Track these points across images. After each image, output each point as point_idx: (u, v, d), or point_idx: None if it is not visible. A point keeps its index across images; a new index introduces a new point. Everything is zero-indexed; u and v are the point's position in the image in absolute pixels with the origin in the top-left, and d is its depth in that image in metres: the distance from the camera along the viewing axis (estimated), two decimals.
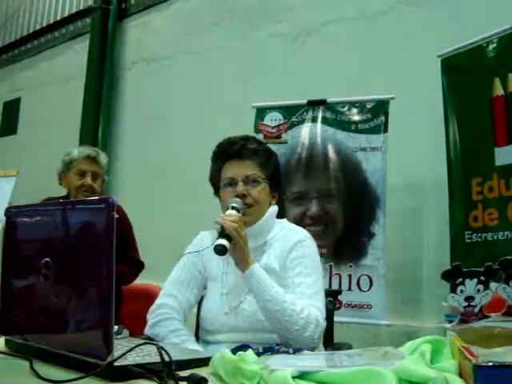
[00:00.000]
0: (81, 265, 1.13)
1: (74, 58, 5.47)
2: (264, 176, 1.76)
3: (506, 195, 2.55)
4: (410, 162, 3.19)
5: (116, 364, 1.03)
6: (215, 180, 1.81)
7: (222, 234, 1.55)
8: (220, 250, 1.52)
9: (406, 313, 3.10)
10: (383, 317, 2.86)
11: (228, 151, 1.77)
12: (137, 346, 1.12)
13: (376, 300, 2.86)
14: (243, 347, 1.16)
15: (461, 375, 0.90)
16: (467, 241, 2.66)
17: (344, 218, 3.00)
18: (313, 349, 1.53)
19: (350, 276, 2.90)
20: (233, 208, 1.63)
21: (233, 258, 1.60)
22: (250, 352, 1.06)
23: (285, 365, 0.92)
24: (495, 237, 2.56)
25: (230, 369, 0.99)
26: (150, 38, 4.91)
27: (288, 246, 1.71)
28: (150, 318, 1.72)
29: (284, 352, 1.17)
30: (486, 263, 1.07)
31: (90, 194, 2.65)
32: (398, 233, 3.06)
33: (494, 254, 2.45)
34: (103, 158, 2.78)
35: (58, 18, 5.76)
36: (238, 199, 1.68)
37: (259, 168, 1.75)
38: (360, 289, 2.89)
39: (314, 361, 1.04)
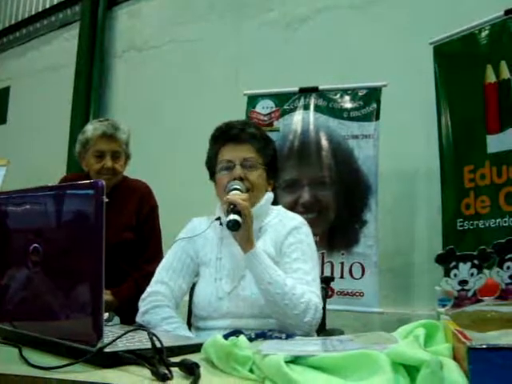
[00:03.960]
0: (70, 251, 1.12)
1: (63, 46, 5.40)
2: (261, 161, 1.75)
3: (497, 182, 2.56)
4: (402, 150, 3.19)
5: (106, 350, 1.01)
6: (212, 163, 1.80)
7: (233, 210, 1.54)
8: (234, 225, 1.52)
9: (397, 300, 3.11)
10: (375, 304, 2.86)
11: (227, 134, 1.76)
12: (127, 332, 1.11)
13: (368, 288, 2.86)
14: (235, 333, 1.15)
15: (454, 359, 0.89)
16: (459, 228, 2.67)
17: (336, 206, 2.99)
18: (307, 334, 1.53)
19: (342, 264, 2.90)
20: (236, 189, 1.63)
21: (237, 238, 1.59)
22: (242, 337, 1.05)
23: (278, 349, 0.91)
24: (487, 224, 2.58)
25: (222, 354, 0.98)
26: (140, 25, 4.86)
27: (284, 232, 1.70)
28: (142, 305, 1.72)
29: (276, 337, 1.16)
30: (480, 247, 1.06)
31: (112, 176, 2.37)
32: (390, 220, 3.06)
33: (486, 241, 2.45)
34: (123, 132, 2.40)
35: (47, 5, 5.68)
36: (238, 181, 1.67)
37: (257, 153, 1.74)
38: (352, 276, 2.89)
39: (307, 346, 1.03)
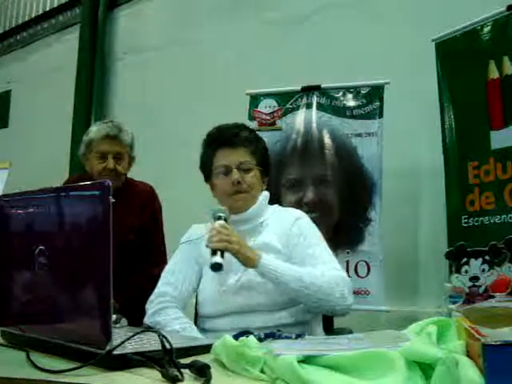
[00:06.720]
0: (77, 253, 1.11)
1: (64, 48, 5.39)
2: (255, 162, 1.79)
3: (502, 178, 2.54)
4: (406, 147, 3.18)
5: (115, 353, 1.00)
6: (207, 168, 1.83)
7: (214, 251, 1.56)
8: (216, 269, 1.55)
9: (403, 298, 3.10)
10: (381, 303, 2.85)
11: (221, 139, 1.80)
12: (136, 334, 1.10)
13: (374, 286, 2.85)
14: (244, 333, 1.14)
15: (468, 356, 0.88)
16: (464, 225, 2.65)
17: (340, 205, 2.97)
18: (346, 309, 1.62)
19: (347, 262, 2.88)
20: (219, 218, 1.65)
21: (240, 262, 1.60)
22: (251, 337, 1.04)
23: (289, 349, 0.90)
24: (492, 220, 2.56)
25: (232, 355, 0.97)
26: (141, 27, 4.85)
27: (287, 224, 1.76)
28: (150, 307, 1.72)
29: (286, 337, 1.15)
30: (491, 242, 1.05)
31: (114, 177, 2.33)
32: (394, 218, 3.04)
33: (491, 237, 2.42)
34: (126, 134, 2.42)
35: (48, 8, 5.67)
36: (219, 207, 1.69)
37: (251, 155, 1.79)
38: (358, 275, 2.88)
39: (318, 345, 1.02)
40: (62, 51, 5.40)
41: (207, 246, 1.58)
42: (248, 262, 1.58)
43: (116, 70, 4.98)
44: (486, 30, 2.69)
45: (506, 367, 0.77)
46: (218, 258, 1.54)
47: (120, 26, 5.02)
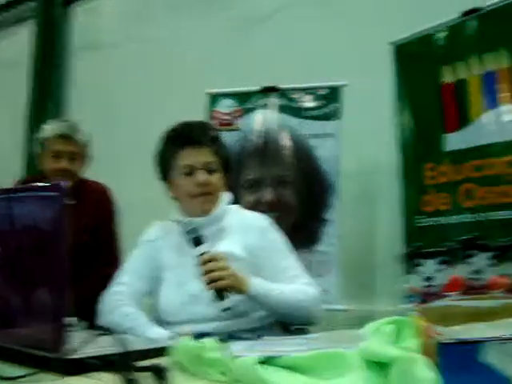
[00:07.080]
0: (32, 255, 1.08)
1: (18, 43, 5.26)
2: (220, 163, 1.75)
3: (456, 180, 2.61)
4: (364, 149, 3.21)
5: (71, 357, 0.98)
6: (167, 165, 1.77)
7: (217, 296, 1.54)
8: (227, 310, 1.55)
9: (360, 298, 3.14)
10: (339, 302, 2.88)
11: (186, 137, 1.73)
12: (93, 337, 1.08)
13: (331, 285, 2.88)
14: (203, 335, 1.14)
15: (424, 354, 0.90)
16: (420, 225, 2.70)
17: (298, 205, 3.00)
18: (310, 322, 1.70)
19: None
20: (197, 239, 1.60)
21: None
22: (210, 339, 1.03)
23: (249, 350, 0.90)
24: (447, 221, 2.62)
25: (191, 357, 0.96)
26: (98, 23, 4.78)
27: (252, 234, 1.73)
28: (103, 306, 1.70)
29: (245, 338, 1.15)
30: (444, 243, 1.07)
31: (68, 177, 2.29)
32: (352, 219, 3.08)
33: (447, 237, 2.48)
34: (81, 133, 2.41)
35: (3, 1, 5.52)
36: (190, 223, 1.65)
37: (215, 156, 1.74)
38: (315, 274, 2.90)
39: (277, 346, 1.03)
40: (16, 46, 5.26)
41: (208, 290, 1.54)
42: (238, 289, 1.57)
43: (72, 66, 4.89)
44: (440, 35, 2.76)
45: (460, 365, 0.79)
46: (225, 303, 1.54)
47: (77, 21, 4.93)
